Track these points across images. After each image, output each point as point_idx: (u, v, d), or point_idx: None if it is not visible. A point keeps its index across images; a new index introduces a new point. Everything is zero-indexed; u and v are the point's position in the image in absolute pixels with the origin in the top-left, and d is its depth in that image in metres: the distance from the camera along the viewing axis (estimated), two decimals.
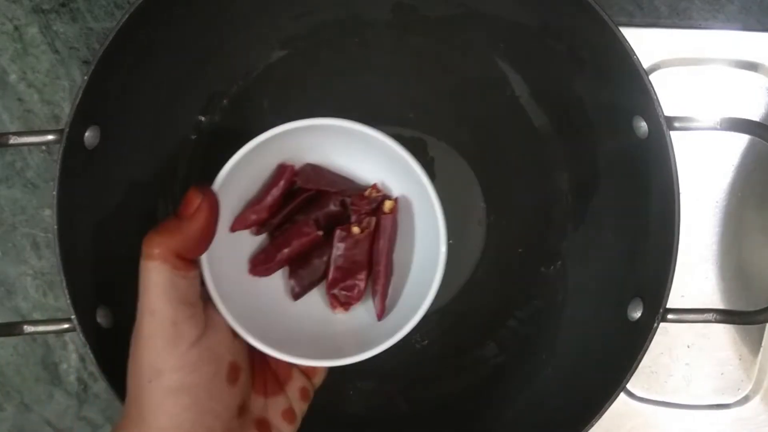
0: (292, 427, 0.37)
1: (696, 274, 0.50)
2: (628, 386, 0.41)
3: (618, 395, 0.38)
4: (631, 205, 0.42)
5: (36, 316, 0.50)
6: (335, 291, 0.39)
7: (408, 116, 0.48)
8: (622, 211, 0.43)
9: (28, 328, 0.38)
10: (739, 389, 0.51)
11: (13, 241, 0.50)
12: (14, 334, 0.38)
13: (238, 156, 0.35)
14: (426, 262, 0.38)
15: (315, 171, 0.39)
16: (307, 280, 0.39)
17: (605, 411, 0.38)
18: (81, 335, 0.37)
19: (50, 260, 0.50)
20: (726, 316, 0.39)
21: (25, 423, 0.51)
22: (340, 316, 0.40)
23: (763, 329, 0.50)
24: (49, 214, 0.50)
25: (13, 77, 0.50)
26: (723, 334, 0.51)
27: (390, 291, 0.39)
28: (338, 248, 0.38)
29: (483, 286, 0.48)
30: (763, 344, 0.50)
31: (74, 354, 0.50)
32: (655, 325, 0.38)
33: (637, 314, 0.40)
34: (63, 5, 0.50)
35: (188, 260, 0.33)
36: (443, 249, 0.37)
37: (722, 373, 0.51)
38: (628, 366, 0.38)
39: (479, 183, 0.48)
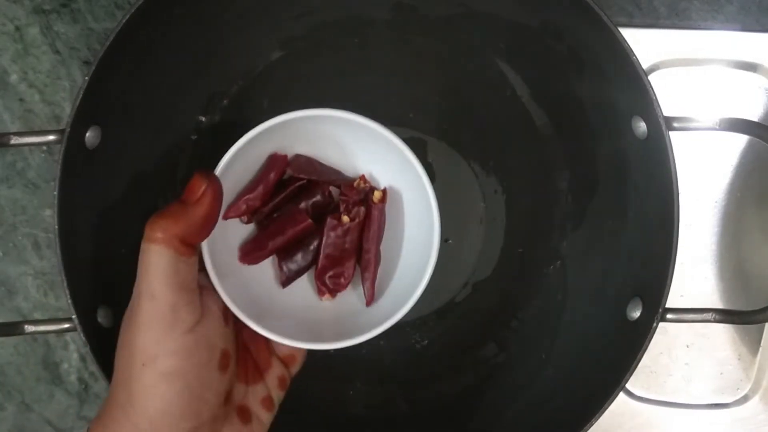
0: (269, 415, 0.37)
1: (695, 274, 0.50)
2: (628, 386, 0.41)
3: (617, 395, 0.38)
4: (630, 205, 0.42)
5: (37, 315, 0.50)
6: (324, 278, 0.40)
7: (408, 116, 0.48)
8: (621, 211, 0.43)
9: (29, 328, 0.38)
10: (738, 389, 0.51)
11: (13, 241, 0.50)
12: (15, 334, 0.38)
13: (239, 145, 0.36)
14: (419, 251, 0.38)
15: (307, 161, 0.40)
16: (296, 267, 0.40)
17: (605, 411, 0.38)
18: (82, 335, 0.37)
19: (51, 260, 0.50)
20: (725, 315, 0.39)
21: (25, 423, 0.51)
22: (330, 303, 0.40)
23: (762, 329, 0.50)
24: (49, 214, 0.50)
25: (14, 77, 0.50)
26: (722, 333, 0.51)
27: (378, 279, 0.40)
28: (329, 236, 0.39)
29: (483, 286, 0.48)
30: (762, 344, 0.50)
31: (75, 354, 0.51)
32: (655, 324, 0.38)
33: (636, 314, 0.40)
34: (64, 6, 0.50)
35: (191, 245, 0.33)
36: (436, 239, 0.37)
37: (721, 373, 0.51)
38: (628, 366, 0.38)
39: (479, 183, 0.48)
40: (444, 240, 0.47)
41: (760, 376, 0.50)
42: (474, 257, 0.48)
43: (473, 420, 0.46)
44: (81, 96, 0.37)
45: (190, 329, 0.33)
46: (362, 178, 0.40)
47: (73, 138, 0.37)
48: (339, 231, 0.39)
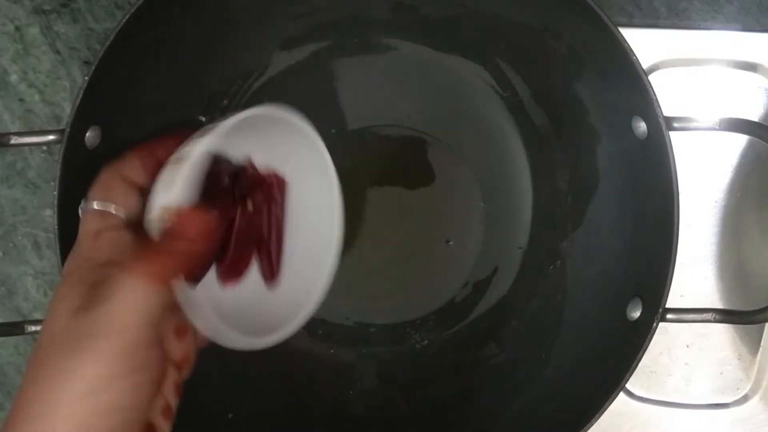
0: (170, 423, 0.34)
1: (695, 274, 0.50)
2: (628, 386, 0.41)
3: (617, 395, 0.38)
4: (630, 205, 0.43)
5: (37, 315, 0.50)
6: (226, 266, 0.38)
7: (408, 116, 0.48)
8: (621, 211, 0.43)
9: (29, 328, 0.38)
10: (738, 389, 0.51)
11: (13, 241, 0.50)
12: (15, 334, 0.38)
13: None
14: (323, 235, 0.37)
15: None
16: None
17: (605, 411, 0.38)
18: None
19: (51, 260, 0.50)
20: (725, 315, 0.39)
21: None
22: (237, 292, 0.38)
23: (762, 329, 0.50)
24: (49, 214, 0.50)
25: (14, 77, 0.50)
26: (722, 333, 0.51)
27: (283, 269, 0.38)
28: (228, 224, 0.37)
29: (483, 286, 0.48)
30: (762, 344, 0.50)
31: None
32: (655, 324, 0.38)
33: (636, 314, 0.40)
34: (64, 6, 0.50)
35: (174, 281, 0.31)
36: (338, 229, 0.36)
37: (721, 373, 0.51)
38: (628, 366, 0.38)
39: (479, 183, 0.48)
40: (444, 240, 0.48)
41: (760, 376, 0.50)
42: (474, 257, 0.48)
43: (473, 420, 0.46)
44: (81, 96, 0.37)
45: (150, 366, 0.30)
46: (253, 162, 0.38)
47: (73, 138, 0.37)
48: (241, 218, 0.37)
